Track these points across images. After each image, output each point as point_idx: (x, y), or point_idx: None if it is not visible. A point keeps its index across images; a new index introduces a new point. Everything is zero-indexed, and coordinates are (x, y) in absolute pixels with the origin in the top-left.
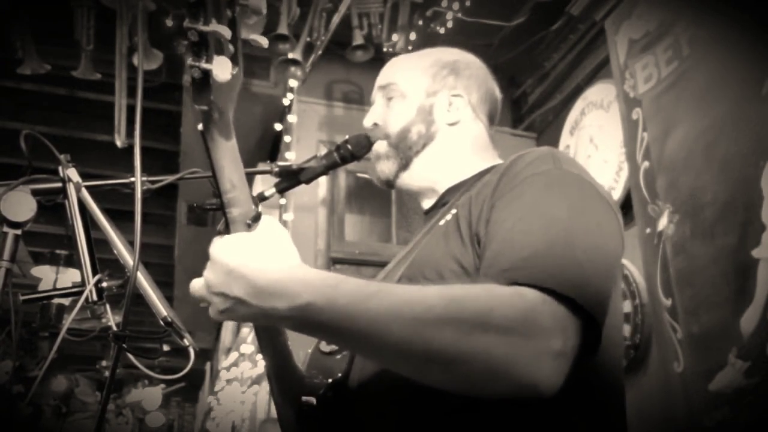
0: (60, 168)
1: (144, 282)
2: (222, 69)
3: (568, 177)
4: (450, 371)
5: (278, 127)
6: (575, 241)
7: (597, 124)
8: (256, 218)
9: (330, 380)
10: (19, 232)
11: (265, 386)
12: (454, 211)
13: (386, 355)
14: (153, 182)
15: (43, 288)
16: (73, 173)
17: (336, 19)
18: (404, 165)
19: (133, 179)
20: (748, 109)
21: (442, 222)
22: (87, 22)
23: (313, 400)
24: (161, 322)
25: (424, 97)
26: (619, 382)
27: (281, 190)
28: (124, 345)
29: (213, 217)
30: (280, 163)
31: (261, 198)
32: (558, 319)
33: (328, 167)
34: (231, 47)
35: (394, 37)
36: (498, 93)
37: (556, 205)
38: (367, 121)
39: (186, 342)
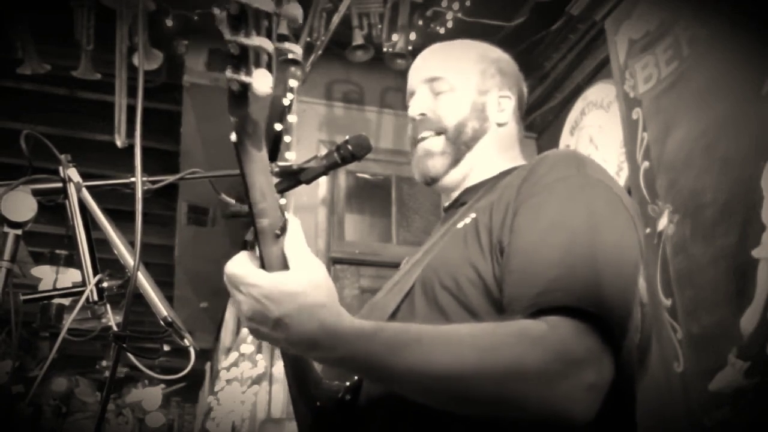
0: (60, 168)
1: (144, 282)
2: (262, 82)
3: (591, 184)
4: (485, 413)
5: (278, 127)
6: (600, 257)
7: (597, 124)
8: (284, 228)
9: (348, 383)
10: (19, 232)
11: (265, 386)
12: (473, 215)
13: (425, 400)
14: (153, 182)
15: (43, 288)
16: (73, 173)
17: (336, 19)
18: (456, 161)
19: (133, 179)
20: (748, 109)
21: (460, 225)
22: (87, 22)
23: (330, 402)
24: (161, 322)
25: (477, 94)
26: (631, 387)
27: (281, 190)
28: (124, 345)
29: (213, 217)
30: (281, 163)
31: None
32: (592, 350)
33: (329, 167)
34: (266, 57)
35: (394, 37)
36: (526, 92)
37: (579, 217)
38: (414, 111)
39: (186, 342)
